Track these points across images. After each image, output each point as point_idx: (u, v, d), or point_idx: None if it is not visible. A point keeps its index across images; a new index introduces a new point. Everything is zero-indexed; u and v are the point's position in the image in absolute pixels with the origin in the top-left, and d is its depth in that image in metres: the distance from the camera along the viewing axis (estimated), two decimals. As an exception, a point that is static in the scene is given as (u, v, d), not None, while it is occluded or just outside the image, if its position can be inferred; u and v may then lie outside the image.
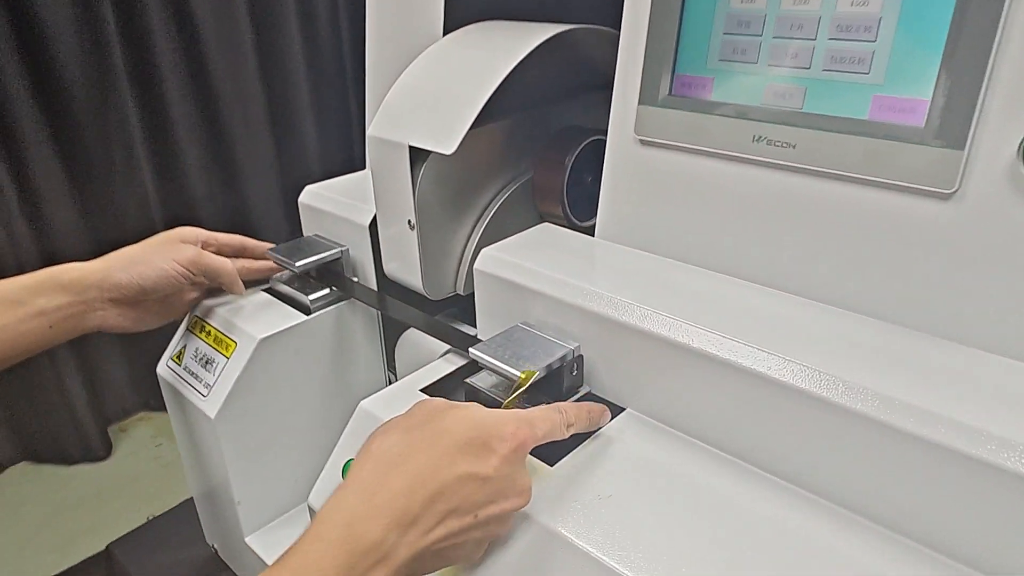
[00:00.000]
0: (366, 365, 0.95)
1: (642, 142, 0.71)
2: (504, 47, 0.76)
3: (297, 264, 0.86)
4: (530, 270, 0.70)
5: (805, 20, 0.59)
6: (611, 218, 0.76)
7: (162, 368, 0.90)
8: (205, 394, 0.82)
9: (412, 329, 0.90)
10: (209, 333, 0.86)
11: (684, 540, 0.51)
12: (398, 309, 0.86)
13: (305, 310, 0.87)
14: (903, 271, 0.58)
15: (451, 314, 0.91)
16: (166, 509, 1.17)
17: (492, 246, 0.75)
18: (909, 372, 0.52)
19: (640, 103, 0.70)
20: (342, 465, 0.67)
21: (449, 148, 0.71)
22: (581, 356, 0.66)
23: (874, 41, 0.56)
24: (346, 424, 0.70)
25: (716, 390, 0.58)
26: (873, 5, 0.56)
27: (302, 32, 2.37)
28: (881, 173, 0.57)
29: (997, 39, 0.50)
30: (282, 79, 2.37)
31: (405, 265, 0.83)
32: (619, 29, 0.71)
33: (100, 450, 2.37)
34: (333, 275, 0.91)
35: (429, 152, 0.75)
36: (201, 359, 0.85)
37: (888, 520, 0.51)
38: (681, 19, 0.66)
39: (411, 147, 0.74)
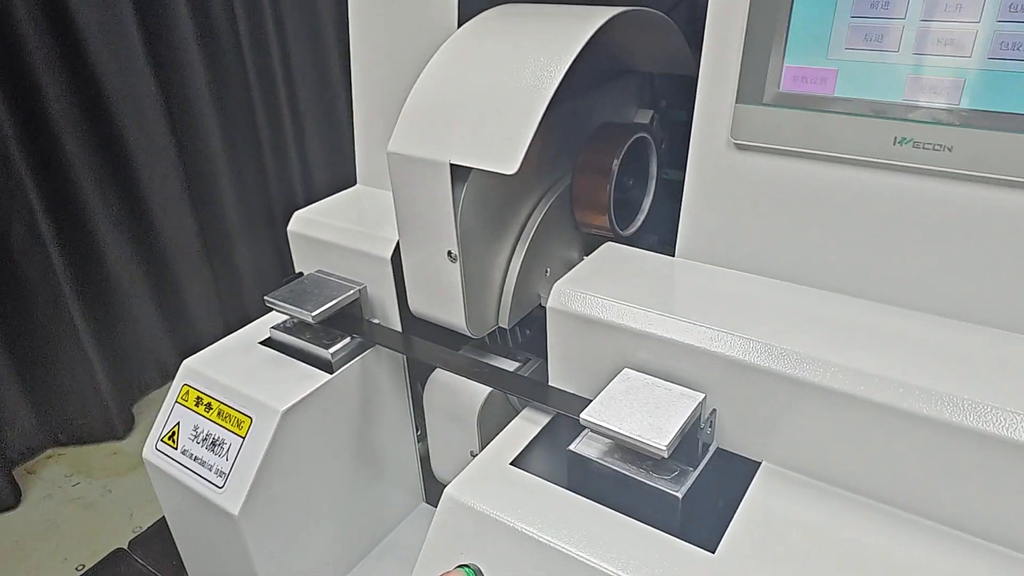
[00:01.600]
0: (391, 419, 0.82)
1: (739, 147, 0.61)
2: (554, 37, 0.63)
3: (314, 314, 0.71)
4: (628, 307, 0.59)
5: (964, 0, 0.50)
6: (697, 235, 0.65)
7: (150, 452, 0.73)
8: (220, 485, 0.67)
9: (439, 371, 0.77)
10: (211, 407, 0.70)
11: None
12: (431, 352, 0.73)
13: (326, 367, 0.72)
14: (1087, 286, 0.51)
15: (477, 346, 0.79)
16: (98, 559, 1.02)
17: (563, 279, 0.64)
18: None
19: (738, 101, 0.59)
20: (445, 566, 0.54)
21: (512, 166, 0.58)
22: (715, 410, 0.56)
23: (1059, 23, 0.47)
24: (378, 492, 0.58)
25: (890, 437, 0.50)
26: (1060, -20, 0.47)
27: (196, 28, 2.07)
28: (1065, 177, 0.49)
29: None
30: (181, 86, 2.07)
31: (441, 301, 0.70)
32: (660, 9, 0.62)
33: (8, 498, 2.10)
34: (350, 319, 0.76)
35: (470, 169, 0.62)
36: (205, 440, 0.69)
37: None
38: (792, 3, 0.56)
39: (453, 165, 0.61)
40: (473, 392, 0.75)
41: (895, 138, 0.54)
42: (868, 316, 0.57)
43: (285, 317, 0.77)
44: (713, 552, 0.50)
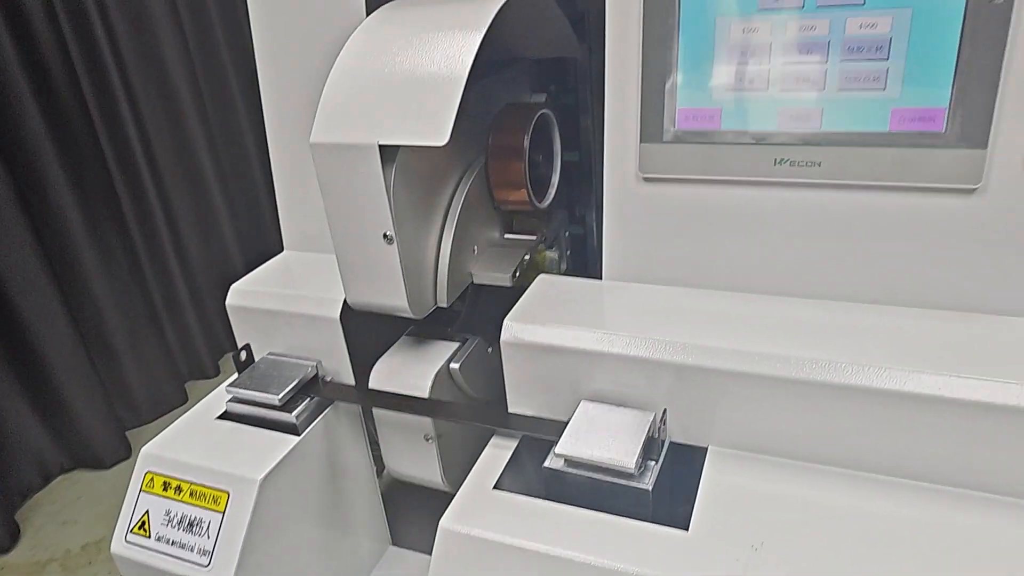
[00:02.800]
0: (355, 469, 0.85)
1: (647, 179, 0.70)
2: (462, 18, 0.66)
3: (279, 396, 0.74)
4: (575, 331, 0.66)
5: (814, 45, 0.62)
6: (619, 258, 0.74)
7: (119, 546, 0.73)
8: (206, 564, 0.68)
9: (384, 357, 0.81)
10: (180, 489, 0.71)
11: (850, 559, 0.53)
12: (388, 400, 0.78)
13: (292, 430, 0.75)
14: (936, 262, 0.64)
15: (417, 333, 0.84)
16: None
17: (509, 316, 0.70)
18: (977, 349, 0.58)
19: (642, 141, 0.69)
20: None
21: (442, 137, 0.60)
22: (665, 409, 0.64)
23: (887, 59, 0.60)
24: (351, 542, 0.63)
25: (806, 404, 0.60)
26: (882, 26, 0.59)
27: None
28: (908, 178, 0.61)
29: (1008, 45, 0.56)
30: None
31: (381, 286, 0.70)
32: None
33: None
34: (306, 382, 0.79)
35: (397, 150, 0.64)
36: (181, 523, 0.70)
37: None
38: (677, 56, 0.66)
39: (382, 146, 0.63)
40: (422, 429, 0.79)
41: (775, 159, 0.65)
42: (769, 308, 0.67)
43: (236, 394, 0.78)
44: (687, 530, 0.58)
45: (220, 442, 0.74)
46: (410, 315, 0.72)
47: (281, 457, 0.72)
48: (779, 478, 0.62)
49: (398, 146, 0.64)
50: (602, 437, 0.63)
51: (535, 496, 0.64)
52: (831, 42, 0.61)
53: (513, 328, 0.69)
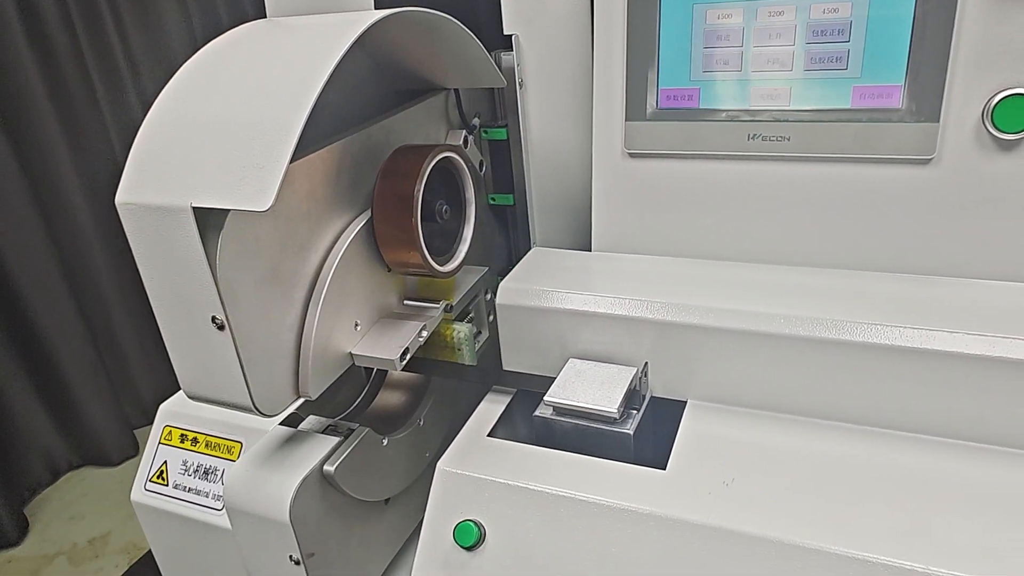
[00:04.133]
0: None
1: (632, 155, 0.76)
2: (312, 47, 0.56)
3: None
4: (565, 293, 0.72)
5: (782, 29, 0.68)
6: (608, 231, 0.80)
7: (139, 494, 0.78)
8: (220, 508, 0.73)
9: (239, 462, 0.68)
10: (197, 441, 0.76)
11: (813, 492, 0.57)
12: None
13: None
14: (895, 228, 0.69)
15: (290, 423, 0.71)
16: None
17: (507, 278, 0.76)
18: (933, 307, 0.63)
19: (627, 119, 0.75)
20: (449, 529, 0.64)
21: (264, 201, 0.49)
22: (647, 363, 0.70)
23: (848, 41, 0.66)
24: None
25: (776, 356, 0.65)
26: (843, 11, 0.65)
27: None
28: (869, 151, 0.67)
29: (955, 27, 0.62)
30: None
31: (217, 379, 0.58)
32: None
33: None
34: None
35: (225, 213, 0.53)
36: (197, 471, 0.75)
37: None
38: (659, 41, 0.72)
39: (196, 209, 0.51)
40: (282, 482, 0.65)
41: (748, 135, 0.71)
42: (744, 273, 0.73)
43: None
44: (664, 469, 0.63)
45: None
46: (256, 414, 0.60)
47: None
48: (752, 426, 0.67)
49: (225, 210, 0.52)
50: (588, 388, 0.68)
51: (526, 443, 0.69)
52: (797, 26, 0.67)
53: (507, 292, 0.74)
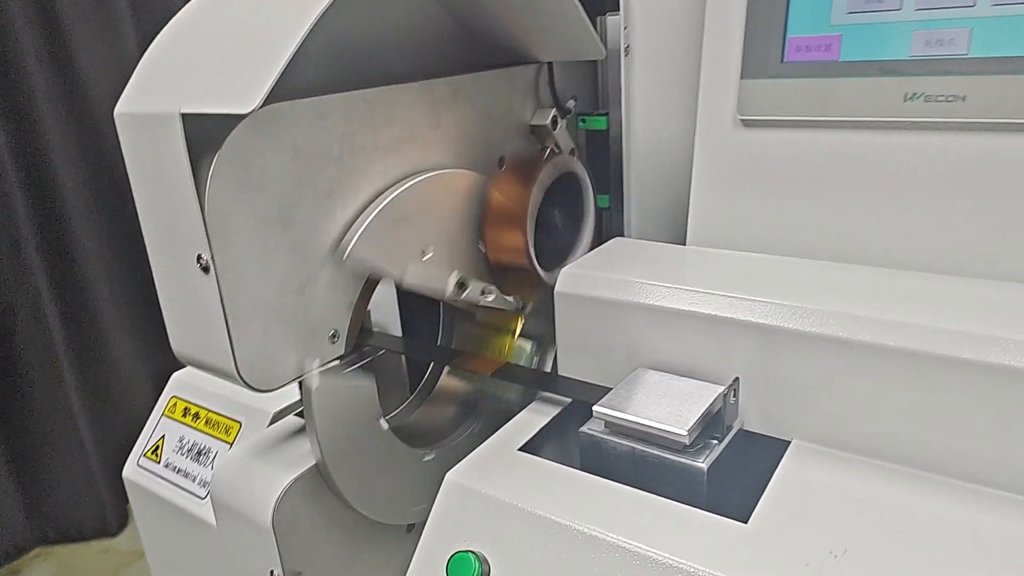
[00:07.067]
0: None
1: (746, 123, 0.60)
2: None
3: None
4: (642, 283, 0.56)
5: (964, -50, 0.51)
6: (708, 221, 0.64)
7: (131, 470, 0.69)
8: (203, 496, 0.62)
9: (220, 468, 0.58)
10: (198, 416, 0.66)
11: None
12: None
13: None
14: (1122, 230, 0.48)
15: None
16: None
17: (574, 263, 0.61)
18: None
19: (743, 77, 0.59)
20: (445, 555, 0.49)
21: (247, 104, 0.42)
22: (737, 378, 0.52)
23: (1061, -38, 0.48)
24: None
25: (961, 401, 0.45)
26: (1057, -80, 0.48)
27: None
28: (1086, 115, 0.48)
29: None
30: None
31: (201, 336, 0.50)
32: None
33: (-14, 606, 1.95)
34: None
35: (226, 130, 0.45)
36: (190, 451, 0.65)
37: None
38: (791, -28, 0.57)
39: (185, 116, 0.44)
40: (270, 480, 0.55)
41: (905, 94, 0.53)
42: (890, 281, 0.54)
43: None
44: (746, 523, 0.45)
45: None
46: (241, 384, 0.50)
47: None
48: (882, 482, 0.47)
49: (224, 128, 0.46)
50: (654, 402, 0.51)
51: (564, 464, 0.53)
52: (987, -55, 0.50)
53: (570, 278, 0.60)
